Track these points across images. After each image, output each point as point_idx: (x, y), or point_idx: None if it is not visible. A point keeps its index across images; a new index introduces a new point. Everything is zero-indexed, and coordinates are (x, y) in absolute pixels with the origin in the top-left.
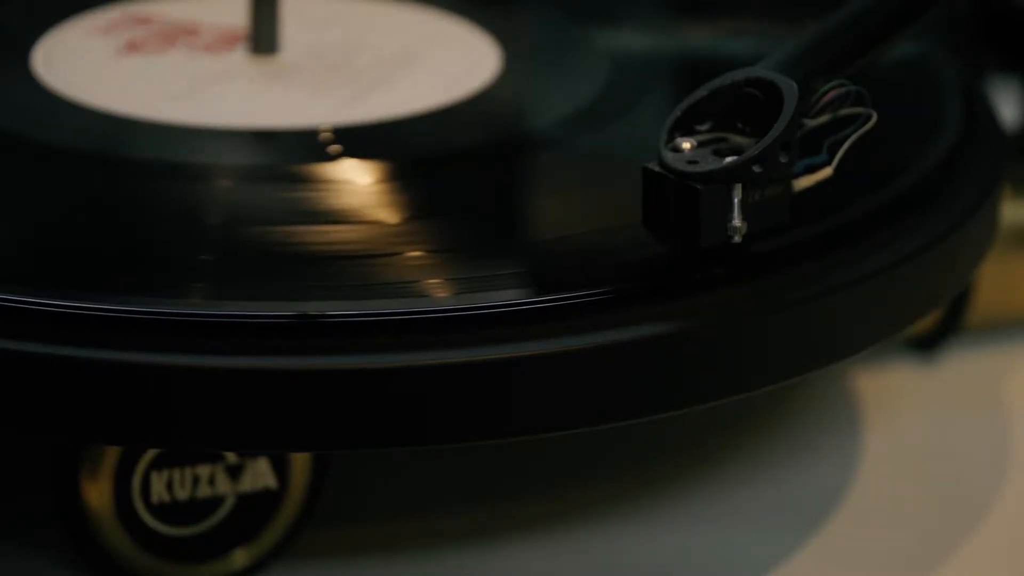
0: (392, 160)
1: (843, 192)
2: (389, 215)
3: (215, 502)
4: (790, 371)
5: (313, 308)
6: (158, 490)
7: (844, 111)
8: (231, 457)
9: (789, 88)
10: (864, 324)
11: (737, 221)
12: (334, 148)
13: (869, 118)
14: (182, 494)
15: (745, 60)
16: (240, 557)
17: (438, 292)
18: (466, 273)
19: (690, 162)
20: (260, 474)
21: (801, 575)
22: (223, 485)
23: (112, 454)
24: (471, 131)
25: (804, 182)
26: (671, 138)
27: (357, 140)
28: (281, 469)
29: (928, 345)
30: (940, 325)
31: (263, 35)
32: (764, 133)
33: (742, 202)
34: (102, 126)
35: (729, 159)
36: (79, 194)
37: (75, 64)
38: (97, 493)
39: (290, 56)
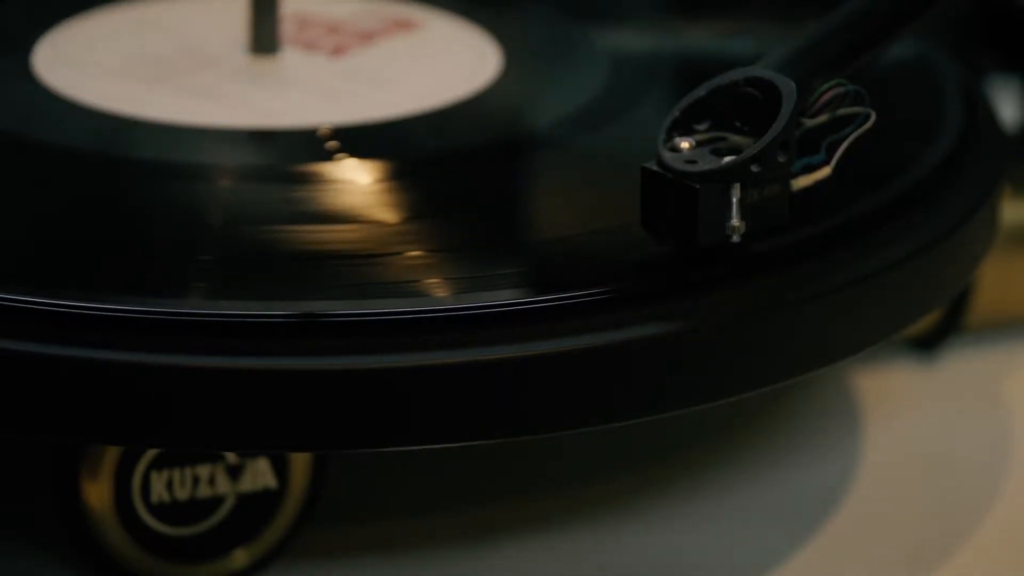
0: (392, 160)
1: (842, 192)
2: (389, 215)
3: (215, 502)
4: (790, 371)
5: (313, 308)
6: (158, 490)
7: (843, 111)
8: (231, 457)
9: (787, 88)
10: (864, 324)
11: (736, 221)
12: (334, 147)
13: (868, 118)
14: (182, 494)
15: (745, 60)
16: (240, 557)
17: (438, 292)
18: (466, 273)
19: (688, 161)
20: (260, 474)
21: (801, 575)
22: (223, 485)
23: (112, 454)
24: (471, 131)
25: (802, 182)
26: (669, 138)
27: (357, 140)
28: (281, 469)
29: (928, 345)
30: (940, 325)
31: (263, 35)
32: (762, 133)
33: (740, 201)
34: (102, 126)
35: (727, 159)
36: (79, 194)
37: (75, 64)
38: (97, 493)
39: (290, 56)
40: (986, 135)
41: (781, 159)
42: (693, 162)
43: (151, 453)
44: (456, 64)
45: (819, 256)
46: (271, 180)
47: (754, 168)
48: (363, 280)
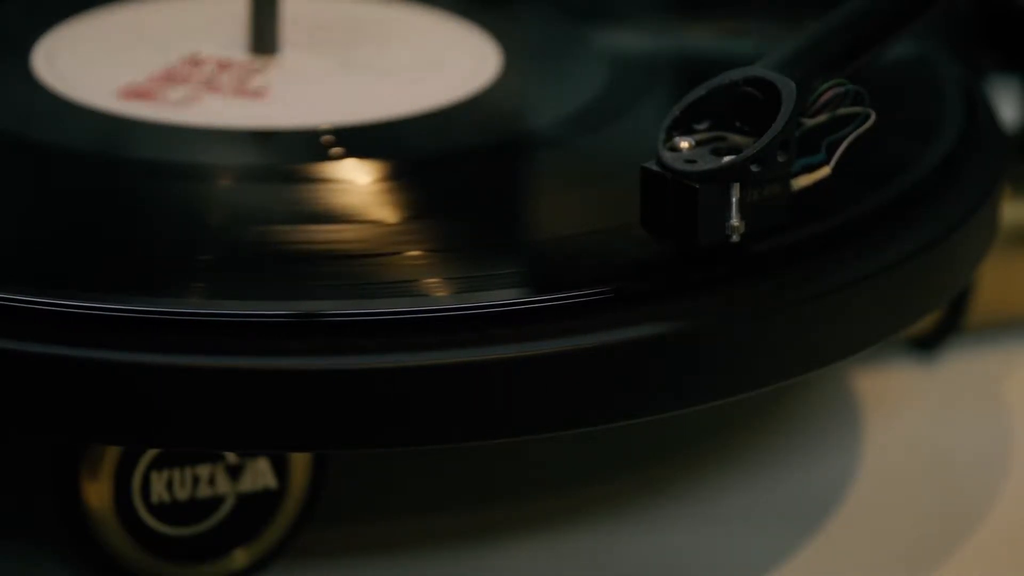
0: (392, 160)
1: (842, 192)
2: (389, 215)
3: (215, 502)
4: (790, 371)
5: (313, 308)
6: (158, 490)
7: (842, 110)
8: (231, 457)
9: (787, 87)
10: (864, 324)
11: (735, 220)
12: (332, 144)
13: (868, 117)
14: (182, 494)
15: (745, 60)
16: (240, 557)
17: (438, 292)
18: (466, 273)
19: (688, 161)
20: (260, 474)
21: (801, 575)
22: (223, 485)
23: (112, 454)
24: (471, 131)
25: (802, 181)
26: (669, 137)
27: (357, 140)
28: (281, 469)
29: (928, 345)
30: (940, 325)
31: (263, 35)
32: (762, 133)
33: (740, 201)
34: (102, 126)
35: (727, 158)
36: (79, 194)
37: (75, 64)
38: (97, 493)
39: (290, 56)
40: (986, 135)
41: (781, 159)
42: (693, 162)
43: (151, 453)
44: (456, 64)
45: (819, 256)
46: (271, 180)
47: (754, 168)
48: (363, 280)
